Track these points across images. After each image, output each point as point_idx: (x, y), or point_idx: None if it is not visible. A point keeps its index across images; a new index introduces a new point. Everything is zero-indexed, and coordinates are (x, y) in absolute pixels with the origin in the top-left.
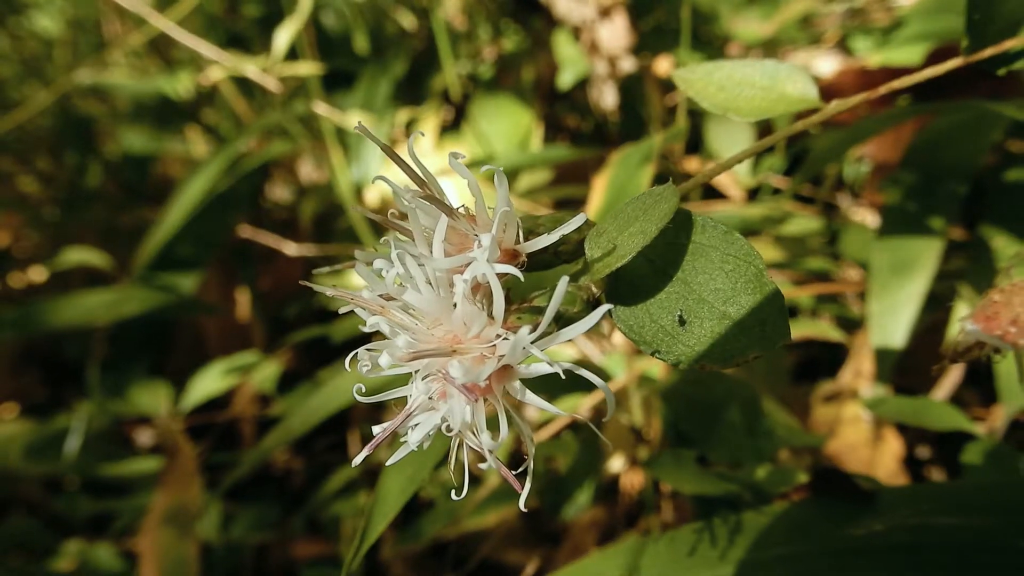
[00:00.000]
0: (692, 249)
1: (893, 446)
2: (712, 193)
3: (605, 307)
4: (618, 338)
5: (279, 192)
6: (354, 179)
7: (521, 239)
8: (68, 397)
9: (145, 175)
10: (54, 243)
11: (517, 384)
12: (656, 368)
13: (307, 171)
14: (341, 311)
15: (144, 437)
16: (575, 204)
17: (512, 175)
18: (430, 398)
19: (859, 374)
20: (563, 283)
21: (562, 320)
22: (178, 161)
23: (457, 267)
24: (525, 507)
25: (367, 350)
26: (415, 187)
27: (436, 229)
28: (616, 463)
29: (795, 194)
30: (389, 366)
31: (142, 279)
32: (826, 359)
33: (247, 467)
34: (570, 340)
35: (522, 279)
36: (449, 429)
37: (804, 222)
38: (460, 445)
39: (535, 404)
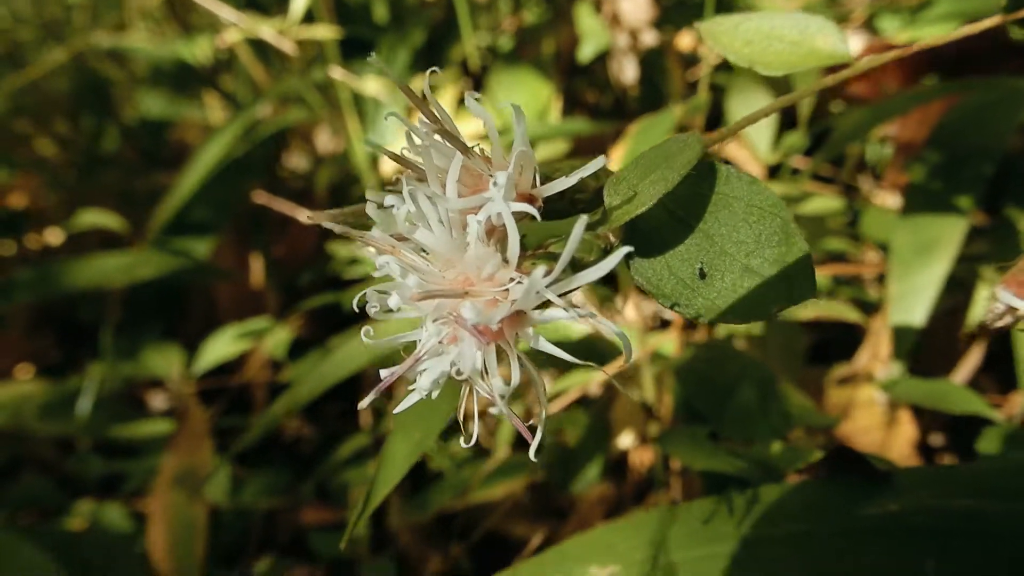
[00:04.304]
0: (715, 199)
1: (907, 430)
2: None
3: (624, 250)
4: (631, 313)
5: (296, 161)
6: (370, 148)
7: (538, 183)
8: (83, 359)
9: (162, 140)
10: (71, 206)
11: (530, 331)
12: (669, 345)
13: (324, 140)
14: (358, 270)
15: (157, 400)
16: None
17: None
18: (440, 342)
19: (875, 357)
20: (580, 224)
21: (578, 267)
22: (195, 127)
23: (471, 208)
24: (533, 480)
25: (376, 291)
26: (429, 124)
27: (450, 167)
28: (626, 439)
29: (815, 174)
30: (398, 307)
31: (157, 243)
32: (841, 341)
33: (257, 432)
34: (581, 315)
35: (539, 219)
36: (459, 374)
37: (824, 202)
38: (471, 398)
39: (548, 351)
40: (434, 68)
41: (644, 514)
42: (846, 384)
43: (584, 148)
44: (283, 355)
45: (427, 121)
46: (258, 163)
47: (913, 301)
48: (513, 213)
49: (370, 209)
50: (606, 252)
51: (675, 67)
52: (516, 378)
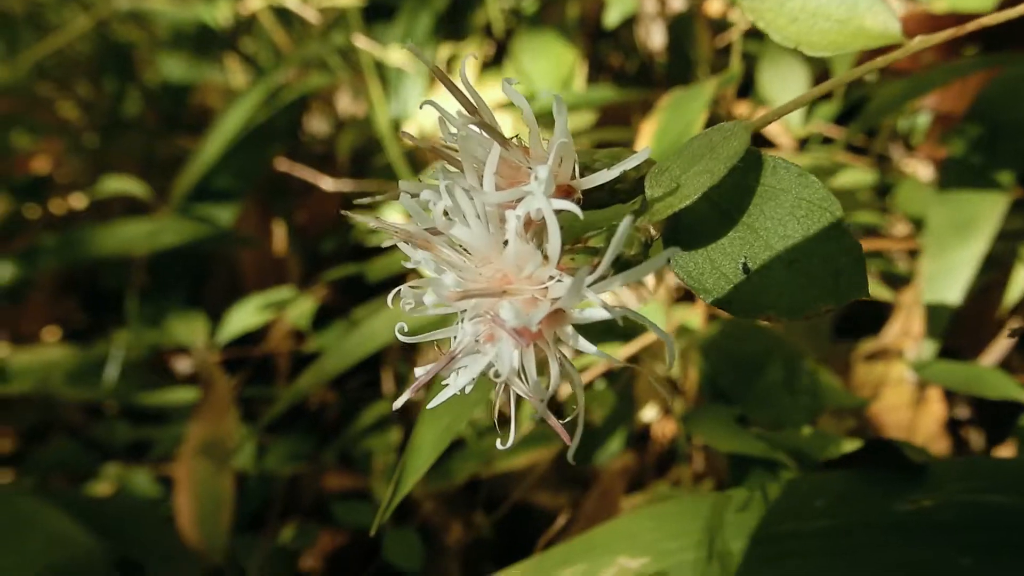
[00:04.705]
0: (761, 192)
1: (936, 409)
2: (760, 141)
3: (671, 251)
4: (652, 283)
5: (317, 126)
6: (393, 114)
7: (577, 174)
8: (107, 325)
9: (183, 104)
10: (95, 170)
11: (569, 329)
12: (695, 319)
13: (345, 105)
14: (383, 245)
15: (183, 365)
16: (618, 147)
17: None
18: (476, 340)
19: (905, 333)
20: (627, 222)
21: (618, 263)
22: (216, 90)
23: (509, 202)
24: (558, 451)
25: (411, 287)
26: (466, 114)
27: (488, 159)
28: (649, 412)
29: (847, 145)
30: (434, 305)
31: (180, 210)
32: (868, 315)
33: (283, 405)
34: (623, 315)
35: (581, 216)
36: (496, 375)
37: (855, 174)
38: (500, 390)
39: (588, 351)
40: (473, 54)
41: (671, 504)
42: (873, 360)
43: (609, 115)
44: (307, 326)
45: (465, 112)
46: (280, 128)
47: (949, 279)
48: (554, 209)
49: (404, 200)
50: (646, 245)
51: (703, 33)
52: (556, 379)
